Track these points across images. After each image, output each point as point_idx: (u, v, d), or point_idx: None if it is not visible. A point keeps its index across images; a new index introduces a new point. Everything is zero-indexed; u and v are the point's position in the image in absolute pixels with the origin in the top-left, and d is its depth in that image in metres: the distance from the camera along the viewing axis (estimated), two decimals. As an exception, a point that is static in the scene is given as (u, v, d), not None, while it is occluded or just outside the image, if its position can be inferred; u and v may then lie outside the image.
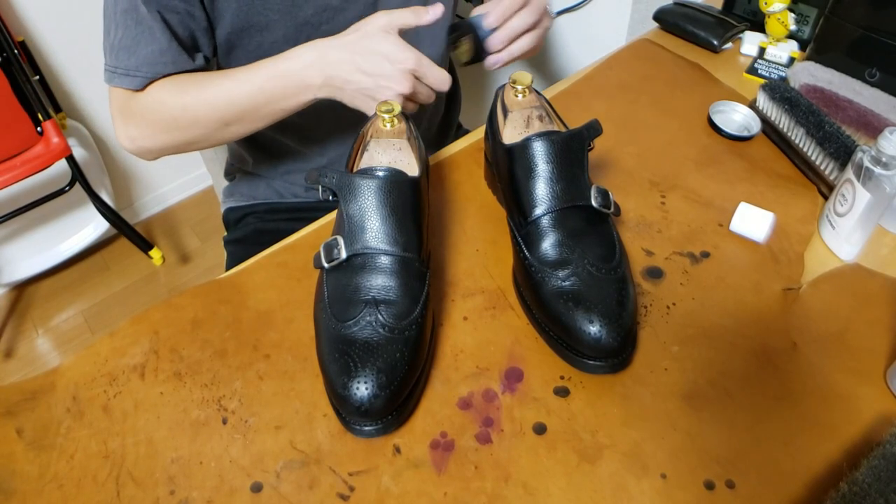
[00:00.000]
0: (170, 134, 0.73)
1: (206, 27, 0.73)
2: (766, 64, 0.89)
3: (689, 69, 0.90)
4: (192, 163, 1.95)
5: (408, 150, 0.66)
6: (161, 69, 0.70)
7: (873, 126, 0.72)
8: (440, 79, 0.67)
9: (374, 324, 0.52)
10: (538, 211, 0.59)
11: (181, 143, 0.74)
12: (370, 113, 0.67)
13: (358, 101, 0.68)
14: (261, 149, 0.92)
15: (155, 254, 1.83)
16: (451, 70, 0.96)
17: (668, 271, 0.64)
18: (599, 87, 0.88)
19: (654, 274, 0.64)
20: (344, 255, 0.55)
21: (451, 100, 1.02)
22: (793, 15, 0.88)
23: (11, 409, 0.57)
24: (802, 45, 0.91)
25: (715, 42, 0.92)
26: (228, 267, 0.84)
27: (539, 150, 0.59)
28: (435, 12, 0.66)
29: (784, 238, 0.67)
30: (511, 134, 0.68)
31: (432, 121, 0.97)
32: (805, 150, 0.72)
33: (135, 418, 0.55)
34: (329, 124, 0.86)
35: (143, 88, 0.71)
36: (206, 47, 0.75)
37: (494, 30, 0.72)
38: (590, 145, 0.60)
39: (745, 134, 0.78)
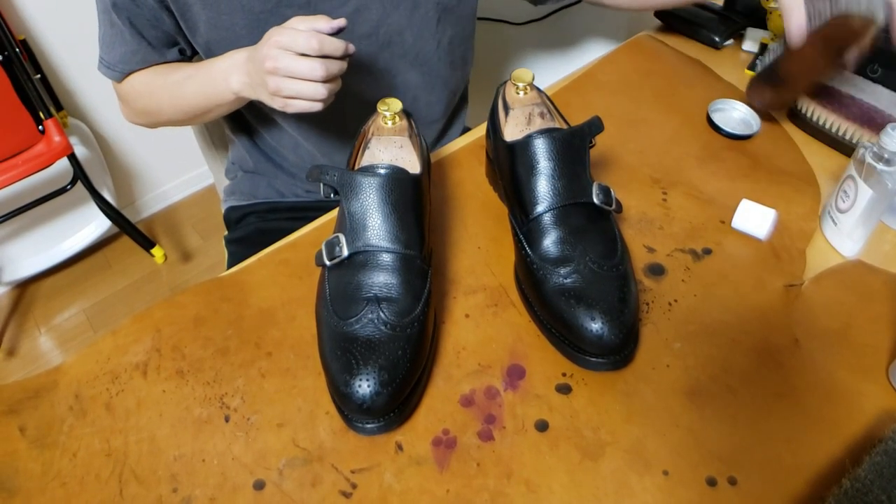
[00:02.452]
0: (148, 116, 0.82)
1: (178, 30, 0.76)
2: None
3: (691, 66, 0.90)
4: (194, 161, 1.95)
5: (409, 148, 0.65)
6: (134, 66, 0.77)
7: (875, 122, 0.71)
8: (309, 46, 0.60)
9: (375, 321, 0.52)
10: (540, 208, 0.59)
11: (159, 122, 0.83)
12: (279, 109, 0.65)
13: (267, 99, 0.66)
14: (261, 152, 0.92)
15: (157, 252, 1.83)
16: (462, 71, 0.95)
17: (670, 268, 0.64)
18: (601, 83, 0.88)
19: (656, 271, 0.64)
20: (346, 252, 0.56)
21: (461, 100, 1.01)
22: (794, 11, 0.87)
23: (14, 407, 0.57)
24: (804, 42, 0.91)
25: (716, 38, 0.92)
26: (230, 266, 0.84)
27: (540, 147, 0.59)
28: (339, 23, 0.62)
29: (786, 234, 0.66)
30: (512, 131, 0.67)
31: (437, 123, 0.97)
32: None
33: (137, 416, 0.55)
34: (335, 131, 0.85)
35: (121, 81, 0.79)
36: (186, 45, 0.79)
37: None
38: (591, 142, 0.60)
39: (746, 132, 0.78)
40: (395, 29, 0.78)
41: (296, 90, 0.62)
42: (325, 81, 0.61)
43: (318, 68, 0.60)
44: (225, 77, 0.70)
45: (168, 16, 0.74)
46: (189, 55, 0.81)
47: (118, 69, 0.78)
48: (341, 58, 0.62)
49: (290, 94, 0.62)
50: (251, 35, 0.73)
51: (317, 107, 0.63)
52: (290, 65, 0.60)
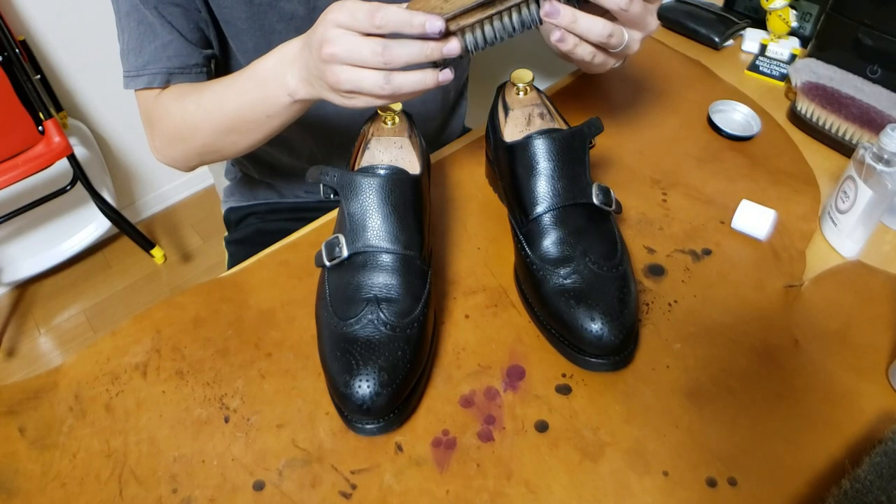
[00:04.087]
0: (183, 143, 0.70)
1: (209, 20, 0.72)
2: (768, 61, 0.89)
3: (691, 66, 0.90)
4: (194, 161, 1.95)
5: (409, 149, 0.65)
6: (166, 63, 0.68)
7: (875, 123, 0.71)
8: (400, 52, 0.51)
9: (375, 322, 0.52)
10: (539, 209, 0.59)
11: (194, 152, 0.71)
12: (344, 106, 0.56)
13: (329, 96, 0.56)
14: (261, 152, 0.92)
15: (156, 252, 1.84)
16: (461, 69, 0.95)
17: (670, 269, 0.64)
18: (600, 84, 0.88)
19: (656, 271, 0.64)
20: (345, 253, 0.56)
21: (458, 97, 1.01)
22: (794, 12, 0.87)
23: (14, 408, 0.57)
24: (804, 42, 0.91)
25: (716, 39, 0.92)
26: (230, 267, 0.85)
27: (540, 148, 0.59)
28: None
29: (786, 235, 0.66)
30: (512, 132, 0.67)
31: (434, 121, 0.97)
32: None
33: (137, 417, 0.55)
34: (335, 132, 0.85)
35: (153, 89, 0.70)
36: (215, 41, 0.74)
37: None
38: (591, 143, 0.60)
39: (746, 133, 0.78)
40: None
41: (356, 82, 0.51)
42: (393, 69, 0.51)
43: (378, 51, 0.50)
44: (277, 76, 0.59)
45: (201, 1, 0.69)
46: (216, 60, 0.75)
47: (148, 70, 0.68)
48: (422, 38, 0.51)
49: (351, 88, 0.52)
50: (252, 29, 0.72)
51: (378, 103, 0.54)
52: (350, 48, 0.50)
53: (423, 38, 0.51)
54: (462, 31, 0.54)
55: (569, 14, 0.53)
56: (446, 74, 0.53)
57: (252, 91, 0.62)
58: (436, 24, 0.51)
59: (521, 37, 0.58)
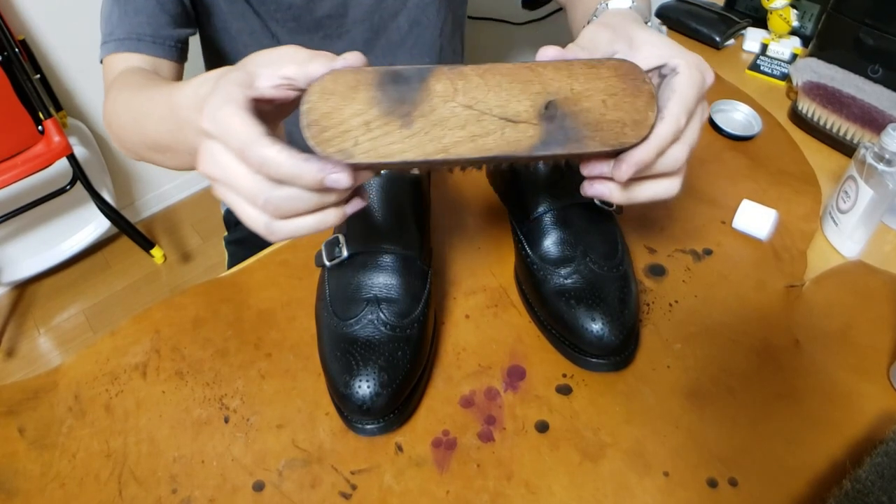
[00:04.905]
0: (119, 142, 0.61)
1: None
2: (769, 60, 0.89)
3: (691, 66, 0.90)
4: (193, 161, 1.95)
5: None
6: (136, 28, 0.62)
7: (877, 122, 0.71)
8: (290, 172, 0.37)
9: (375, 322, 0.52)
10: (540, 208, 0.58)
11: (131, 153, 0.60)
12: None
13: None
14: None
15: (156, 252, 1.83)
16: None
17: (671, 269, 0.64)
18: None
19: (657, 271, 0.63)
20: (345, 253, 0.55)
21: None
22: (795, 11, 0.87)
23: (13, 408, 0.57)
24: (805, 42, 0.91)
25: (717, 39, 0.91)
26: (229, 267, 0.84)
27: (541, 148, 0.59)
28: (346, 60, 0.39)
29: (787, 235, 0.66)
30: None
31: None
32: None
33: (136, 417, 0.55)
34: None
35: (120, 55, 0.63)
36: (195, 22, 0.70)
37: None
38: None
39: (747, 133, 0.78)
40: (389, 12, 0.76)
41: (236, 210, 0.40)
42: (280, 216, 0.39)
43: (259, 200, 0.38)
44: (189, 121, 0.42)
45: None
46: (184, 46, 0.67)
47: (115, 36, 0.62)
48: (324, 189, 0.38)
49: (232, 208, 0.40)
50: (232, 7, 0.71)
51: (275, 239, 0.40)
52: (226, 176, 0.38)
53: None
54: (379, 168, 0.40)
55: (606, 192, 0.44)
56: (356, 205, 0.41)
57: (169, 123, 0.48)
58: (340, 181, 0.37)
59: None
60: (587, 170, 0.43)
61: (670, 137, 0.41)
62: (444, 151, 0.38)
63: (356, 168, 0.38)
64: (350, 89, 0.37)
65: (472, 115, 0.38)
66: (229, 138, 0.37)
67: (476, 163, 0.39)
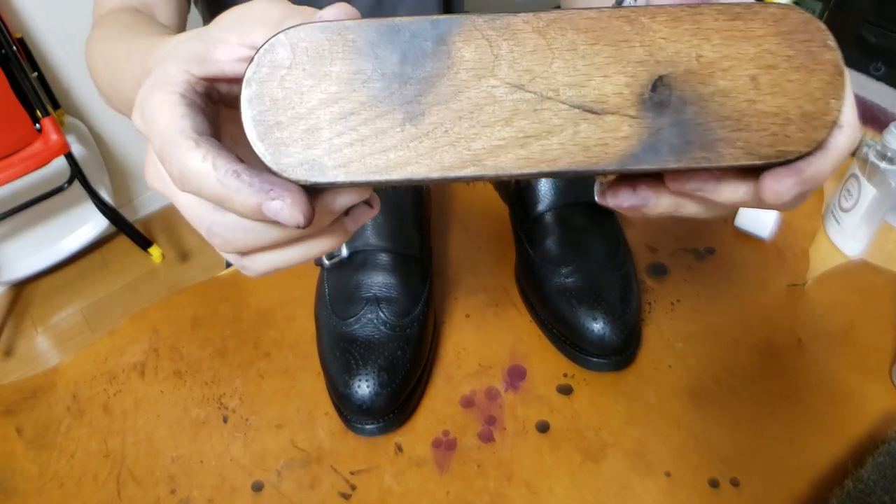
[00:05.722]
0: (98, 90, 0.49)
1: None
2: (769, 59, 0.89)
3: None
4: (192, 160, 1.95)
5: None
6: None
7: (879, 120, 0.71)
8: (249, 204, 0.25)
9: (375, 321, 0.52)
10: (541, 207, 0.58)
11: (110, 105, 0.49)
12: None
13: None
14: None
15: (154, 251, 1.83)
16: None
17: (673, 268, 0.63)
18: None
19: (659, 270, 0.63)
20: (345, 252, 0.55)
21: None
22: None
23: (11, 407, 0.56)
24: (806, 40, 0.91)
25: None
26: (228, 266, 0.84)
27: (541, 146, 0.58)
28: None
29: (789, 234, 0.66)
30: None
31: None
32: None
33: (135, 417, 0.55)
34: None
35: None
36: None
37: None
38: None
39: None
40: (389, 4, 0.76)
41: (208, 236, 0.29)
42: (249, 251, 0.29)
43: (202, 228, 0.28)
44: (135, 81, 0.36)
45: None
46: None
47: None
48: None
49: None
50: None
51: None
52: (166, 188, 0.29)
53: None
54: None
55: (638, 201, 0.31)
56: (361, 217, 0.31)
57: (136, 80, 0.38)
58: (283, 211, 0.24)
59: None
60: (681, 184, 0.27)
61: (847, 153, 0.26)
62: (473, 163, 0.24)
63: (332, 189, 0.25)
64: (320, 59, 0.24)
65: (523, 102, 0.24)
66: (152, 136, 0.26)
67: (526, 178, 0.26)
